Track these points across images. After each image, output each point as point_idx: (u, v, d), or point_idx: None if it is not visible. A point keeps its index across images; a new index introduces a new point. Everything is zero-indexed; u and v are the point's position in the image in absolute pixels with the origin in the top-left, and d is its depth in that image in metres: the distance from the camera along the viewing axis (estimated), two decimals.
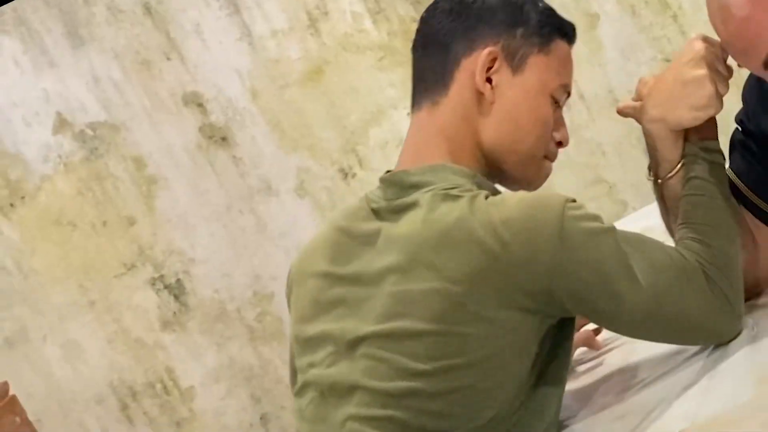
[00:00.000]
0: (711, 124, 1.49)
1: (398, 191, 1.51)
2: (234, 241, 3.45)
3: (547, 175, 1.60)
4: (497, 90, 1.53)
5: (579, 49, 3.15)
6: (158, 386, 3.48)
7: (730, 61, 1.46)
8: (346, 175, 3.41)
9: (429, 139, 1.55)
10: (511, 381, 1.43)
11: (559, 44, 1.59)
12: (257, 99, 3.41)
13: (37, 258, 3.46)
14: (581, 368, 1.73)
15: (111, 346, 3.47)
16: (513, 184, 1.59)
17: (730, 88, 1.46)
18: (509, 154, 1.54)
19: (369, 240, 1.52)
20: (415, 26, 1.63)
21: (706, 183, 1.48)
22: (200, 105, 3.42)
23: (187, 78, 3.42)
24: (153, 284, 3.46)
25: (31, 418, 2.85)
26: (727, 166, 1.56)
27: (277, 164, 3.42)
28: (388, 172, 1.58)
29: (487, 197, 1.42)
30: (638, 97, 1.52)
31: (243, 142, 3.42)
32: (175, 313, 3.47)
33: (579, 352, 1.78)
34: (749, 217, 1.56)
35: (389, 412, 1.42)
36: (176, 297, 3.47)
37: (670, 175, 1.51)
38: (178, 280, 3.47)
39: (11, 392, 2.59)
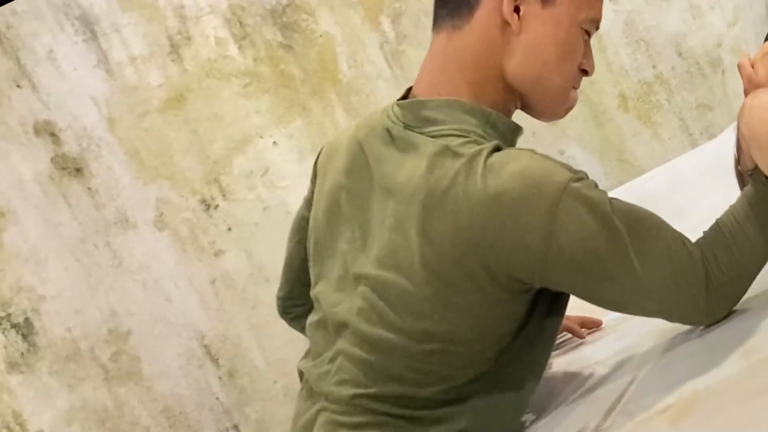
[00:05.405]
0: None
1: (412, 119, 1.47)
2: (88, 276, 3.30)
3: (572, 106, 1.55)
4: (524, 21, 1.46)
5: None
6: (4, 431, 3.29)
7: None
8: (208, 206, 3.31)
9: (447, 68, 1.49)
10: (491, 349, 1.42)
11: None
12: (115, 128, 3.28)
13: None
14: (554, 355, 1.74)
15: None
16: (536, 114, 1.55)
17: None
18: (534, 89, 1.49)
19: (378, 165, 1.49)
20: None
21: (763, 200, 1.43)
22: (53, 135, 3.28)
23: (38, 106, 3.28)
24: None
25: None
26: None
27: (135, 195, 3.30)
28: (408, 89, 1.54)
29: (489, 155, 1.36)
30: (753, 62, 1.46)
31: (99, 173, 3.28)
32: (23, 353, 3.30)
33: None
34: None
35: (372, 357, 1.45)
36: (24, 336, 3.29)
37: (746, 172, 1.45)
38: (27, 319, 3.30)
39: None
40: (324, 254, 1.57)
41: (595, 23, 1.52)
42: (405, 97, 1.55)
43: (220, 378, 3.34)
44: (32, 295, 3.30)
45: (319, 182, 1.63)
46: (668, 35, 3.29)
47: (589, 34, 1.52)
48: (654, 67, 3.30)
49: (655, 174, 2.55)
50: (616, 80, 3.28)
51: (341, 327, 1.50)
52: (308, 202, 1.70)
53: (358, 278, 1.47)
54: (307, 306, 1.68)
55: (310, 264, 1.62)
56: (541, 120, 1.57)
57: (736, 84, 3.25)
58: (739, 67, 1.49)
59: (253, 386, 3.37)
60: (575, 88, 1.54)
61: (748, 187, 1.43)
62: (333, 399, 1.50)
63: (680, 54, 3.30)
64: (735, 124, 1.46)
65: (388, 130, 1.50)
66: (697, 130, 3.31)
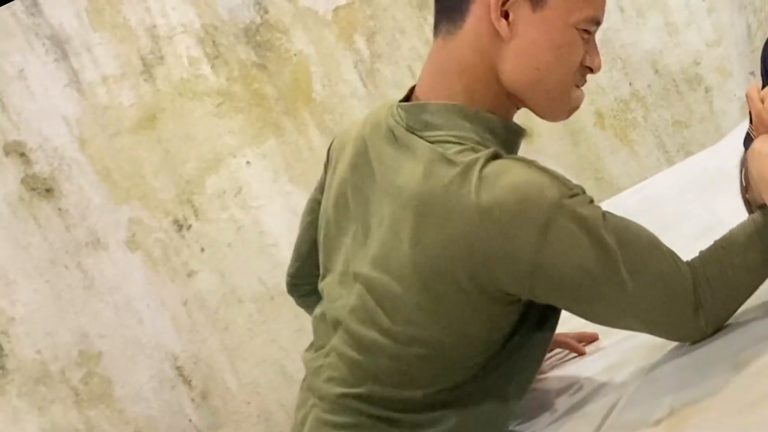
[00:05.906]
0: None
1: (414, 121, 1.45)
2: (58, 298, 3.26)
3: (576, 106, 1.51)
4: (514, 27, 1.41)
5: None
6: None
7: None
8: (180, 226, 3.28)
9: (444, 73, 1.46)
10: (478, 357, 1.42)
11: None
12: (86, 147, 3.25)
13: None
14: (548, 368, 1.75)
15: None
16: (539, 115, 1.51)
17: None
18: (532, 93, 1.45)
19: (380, 164, 1.49)
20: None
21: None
22: (23, 155, 3.24)
23: (8, 126, 3.24)
24: None
25: None
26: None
27: (107, 216, 3.26)
28: (413, 88, 1.52)
29: (485, 165, 1.34)
30: (763, 97, 1.42)
31: (70, 193, 3.25)
32: None
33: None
34: None
35: (360, 357, 1.47)
36: None
37: (755, 204, 1.45)
38: None
39: None
40: (331, 247, 1.58)
41: (594, 22, 1.46)
42: (408, 96, 1.53)
43: (192, 400, 3.31)
44: (1, 317, 3.25)
45: (330, 170, 1.64)
46: (644, 53, 3.30)
47: (589, 32, 1.47)
48: (630, 84, 3.31)
49: (634, 191, 2.55)
50: (592, 98, 3.29)
51: (337, 323, 1.52)
52: (321, 185, 1.70)
53: (356, 276, 1.48)
54: (315, 285, 1.69)
55: (320, 255, 1.63)
56: (546, 120, 1.54)
57: (722, 102, 3.27)
58: (748, 99, 1.46)
59: (226, 408, 3.33)
60: (578, 86, 1.50)
61: (757, 216, 1.41)
62: (322, 396, 1.52)
63: (656, 71, 3.31)
64: (728, 141, 1.45)
65: (391, 130, 1.48)
66: (674, 147, 3.32)
